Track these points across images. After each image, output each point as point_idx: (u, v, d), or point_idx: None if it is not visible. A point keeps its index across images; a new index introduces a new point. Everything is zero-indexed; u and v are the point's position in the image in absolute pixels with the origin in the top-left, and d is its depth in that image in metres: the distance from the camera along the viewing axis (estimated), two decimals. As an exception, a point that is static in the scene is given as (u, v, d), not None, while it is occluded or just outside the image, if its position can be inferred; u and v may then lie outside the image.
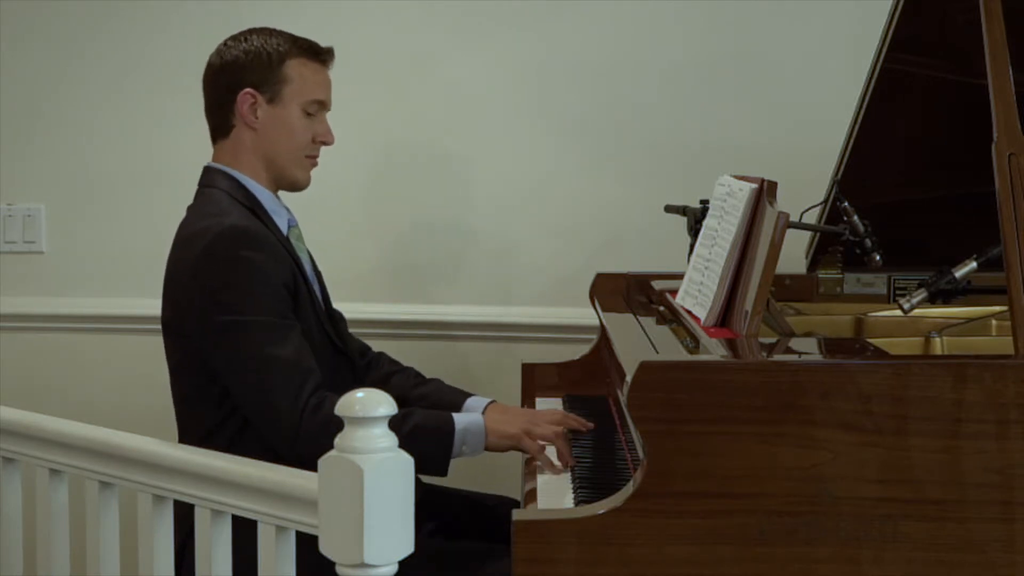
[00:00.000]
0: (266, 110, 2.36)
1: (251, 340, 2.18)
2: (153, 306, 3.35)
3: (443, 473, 2.25)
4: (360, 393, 1.62)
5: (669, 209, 2.87)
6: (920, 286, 2.25)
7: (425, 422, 2.23)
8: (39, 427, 2.07)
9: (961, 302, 2.33)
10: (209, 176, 2.39)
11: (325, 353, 2.33)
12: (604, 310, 2.77)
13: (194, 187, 2.40)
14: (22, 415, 2.10)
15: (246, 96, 2.35)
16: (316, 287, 2.42)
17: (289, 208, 2.44)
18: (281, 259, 2.28)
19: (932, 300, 2.24)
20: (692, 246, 2.59)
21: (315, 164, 2.44)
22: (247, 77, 2.35)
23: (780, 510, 1.75)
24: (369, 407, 1.61)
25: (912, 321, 2.43)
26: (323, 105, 2.42)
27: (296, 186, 2.43)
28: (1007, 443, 1.75)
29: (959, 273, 2.21)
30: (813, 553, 1.75)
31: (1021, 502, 1.75)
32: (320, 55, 2.41)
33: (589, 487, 2.10)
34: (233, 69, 2.36)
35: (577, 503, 2.03)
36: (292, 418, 2.14)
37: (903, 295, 2.32)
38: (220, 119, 2.39)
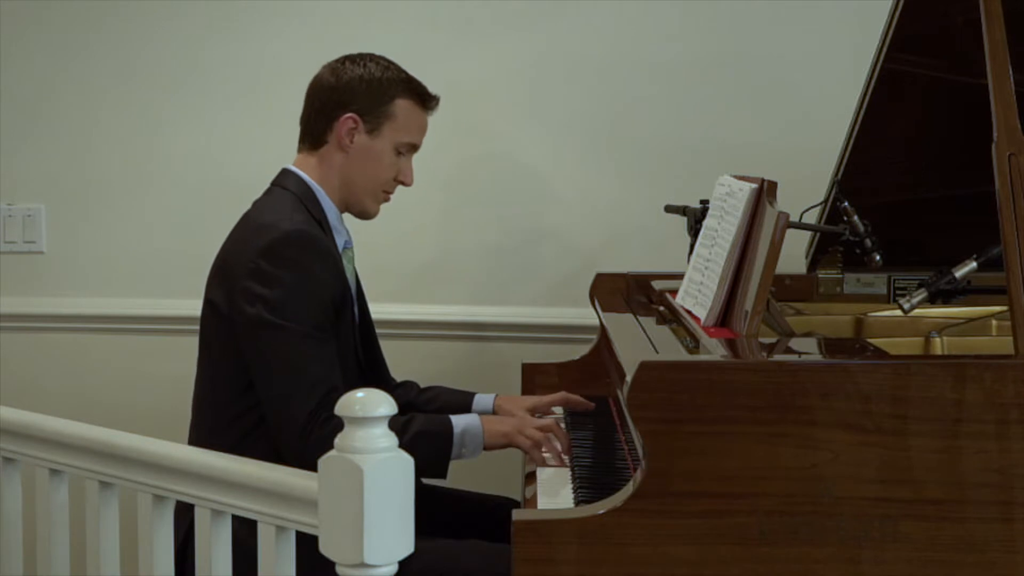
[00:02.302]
0: (363, 138, 2.38)
1: (288, 344, 2.20)
2: (153, 306, 3.39)
3: (443, 475, 2.28)
4: (360, 393, 1.62)
5: (669, 209, 2.87)
6: (920, 286, 2.25)
7: (426, 428, 2.26)
8: (39, 427, 2.07)
9: (961, 302, 2.33)
10: (285, 177, 2.41)
11: (352, 375, 2.35)
12: (604, 310, 2.77)
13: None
14: (22, 415, 2.10)
15: (347, 120, 2.37)
16: (356, 309, 2.44)
17: (349, 230, 2.45)
18: (338, 274, 2.31)
19: (932, 300, 2.24)
20: (692, 246, 2.59)
21: (387, 200, 2.46)
22: (355, 101, 2.37)
23: (780, 510, 1.75)
24: (369, 407, 1.61)
25: (912, 321, 2.43)
26: (414, 148, 2.45)
27: (365, 215, 2.46)
28: (1007, 443, 1.75)
29: (959, 273, 2.21)
30: (813, 553, 1.75)
31: (1021, 502, 1.75)
32: (427, 102, 2.45)
33: (589, 487, 2.11)
34: (345, 90, 2.38)
35: (577, 503, 2.04)
36: (304, 429, 2.16)
37: (903, 295, 2.32)
38: (315, 131, 2.41)
